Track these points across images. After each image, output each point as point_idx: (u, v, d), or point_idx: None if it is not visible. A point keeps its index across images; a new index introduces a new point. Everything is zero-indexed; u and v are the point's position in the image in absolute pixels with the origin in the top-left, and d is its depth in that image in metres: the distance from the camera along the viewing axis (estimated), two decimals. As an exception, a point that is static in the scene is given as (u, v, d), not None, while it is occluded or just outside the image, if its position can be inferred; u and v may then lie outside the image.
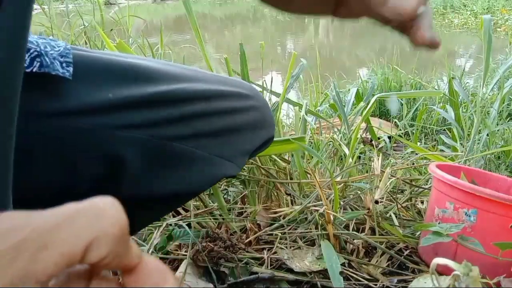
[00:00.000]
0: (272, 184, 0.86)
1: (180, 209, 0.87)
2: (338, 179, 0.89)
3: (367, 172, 0.94)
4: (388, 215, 0.84)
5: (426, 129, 1.75)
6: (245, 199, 0.88)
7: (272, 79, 0.97)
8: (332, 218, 0.73)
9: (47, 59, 0.38)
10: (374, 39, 5.95)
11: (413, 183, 0.92)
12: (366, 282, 0.68)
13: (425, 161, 1.06)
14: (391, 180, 0.89)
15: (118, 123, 0.42)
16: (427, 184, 0.91)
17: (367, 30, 7.14)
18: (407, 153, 1.27)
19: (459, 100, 1.39)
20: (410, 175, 1.01)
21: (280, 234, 0.78)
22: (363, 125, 1.13)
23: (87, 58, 0.43)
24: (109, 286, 0.19)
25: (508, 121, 1.60)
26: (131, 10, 1.54)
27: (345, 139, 1.03)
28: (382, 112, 2.04)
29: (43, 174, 0.40)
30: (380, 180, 0.81)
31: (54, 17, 1.39)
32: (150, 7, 10.24)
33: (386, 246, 0.76)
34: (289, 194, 0.87)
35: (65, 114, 0.39)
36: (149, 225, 0.78)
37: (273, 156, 0.87)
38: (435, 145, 1.48)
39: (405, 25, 0.36)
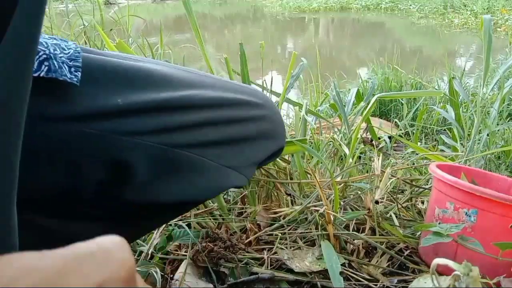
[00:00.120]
0: (272, 184, 0.85)
1: (180, 209, 0.87)
2: (338, 179, 0.89)
3: (367, 172, 0.94)
4: (388, 215, 0.84)
5: (427, 129, 1.75)
6: (245, 199, 0.88)
7: (272, 79, 0.97)
8: (332, 218, 0.73)
9: (55, 63, 0.38)
10: (374, 39, 5.95)
11: (414, 183, 0.92)
12: (366, 282, 0.68)
13: (425, 161, 1.06)
14: (391, 180, 0.89)
15: (126, 129, 0.41)
16: (427, 184, 0.91)
17: (367, 30, 7.14)
18: (408, 153, 1.27)
19: (459, 100, 1.39)
20: (411, 175, 1.01)
21: (280, 234, 0.78)
22: (364, 125, 1.13)
23: (97, 62, 0.43)
24: None
25: (508, 121, 1.60)
26: (131, 10, 1.54)
27: (345, 139, 1.03)
28: (383, 112, 2.04)
29: (48, 176, 0.39)
30: (380, 180, 0.80)
31: (54, 17, 1.39)
32: (150, 7, 10.24)
33: (386, 246, 0.76)
34: (289, 194, 0.87)
35: (72, 119, 0.39)
36: (149, 225, 0.78)
37: (273, 156, 0.86)
38: (435, 145, 1.48)
39: None
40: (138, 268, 0.68)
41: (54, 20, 1.35)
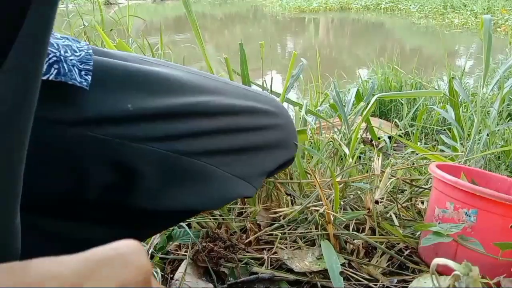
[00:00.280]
0: (272, 184, 0.85)
1: (180, 209, 0.87)
2: (338, 179, 0.89)
3: (367, 172, 0.94)
4: (388, 215, 0.84)
5: (426, 129, 1.75)
6: (245, 199, 0.88)
7: (272, 79, 0.97)
8: (332, 218, 0.73)
9: (65, 66, 0.37)
10: (374, 39, 5.95)
11: (413, 183, 0.92)
12: (366, 282, 0.68)
13: (425, 161, 1.06)
14: (391, 180, 0.89)
15: (135, 134, 0.40)
16: (427, 184, 0.91)
17: (367, 30, 7.14)
18: (407, 153, 1.27)
19: (459, 100, 1.39)
20: (410, 175, 1.01)
21: (280, 234, 0.78)
22: (363, 125, 1.13)
23: (108, 65, 0.42)
24: None
25: (508, 121, 1.60)
26: (131, 10, 1.54)
27: (345, 139, 1.03)
28: (382, 112, 2.04)
29: (54, 180, 0.39)
30: (380, 180, 0.80)
31: (54, 17, 1.38)
32: (150, 7, 10.24)
33: (386, 246, 0.76)
34: (289, 194, 0.87)
35: (80, 123, 0.38)
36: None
37: (273, 156, 0.86)
38: (435, 145, 1.48)
39: None
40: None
41: (54, 20, 1.35)
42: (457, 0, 7.60)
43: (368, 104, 0.98)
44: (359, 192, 0.88)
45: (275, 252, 0.74)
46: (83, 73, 0.38)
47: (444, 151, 1.22)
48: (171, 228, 0.78)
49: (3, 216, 0.25)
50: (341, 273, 0.65)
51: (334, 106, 1.19)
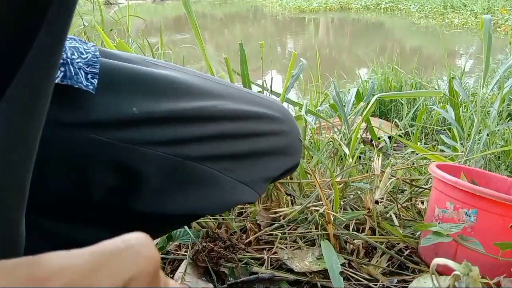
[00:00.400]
0: (272, 184, 0.85)
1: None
2: (338, 179, 0.89)
3: (367, 172, 0.94)
4: (388, 215, 0.84)
5: (426, 129, 1.75)
6: (247, 204, 0.88)
7: (272, 79, 0.97)
8: (332, 218, 0.73)
9: (71, 68, 0.37)
10: (374, 39, 5.95)
11: (413, 183, 0.92)
12: (366, 282, 0.68)
13: (425, 161, 1.06)
14: (391, 180, 0.89)
15: (140, 138, 0.40)
16: (427, 184, 0.91)
17: (367, 30, 7.14)
18: (407, 153, 1.27)
19: (459, 100, 1.39)
20: (410, 175, 1.01)
21: (280, 234, 0.78)
22: (363, 125, 1.13)
23: (115, 68, 0.41)
24: None
25: (508, 121, 1.60)
26: (131, 10, 1.54)
27: (345, 139, 1.03)
28: (382, 112, 2.04)
29: (58, 182, 0.39)
30: (380, 180, 0.81)
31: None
32: (150, 7, 10.24)
33: (386, 246, 0.76)
34: (289, 194, 0.87)
35: (85, 126, 0.38)
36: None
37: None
38: (435, 145, 1.48)
39: None
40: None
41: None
42: (457, 0, 7.61)
43: (368, 104, 0.98)
44: (359, 192, 0.88)
45: (275, 252, 0.74)
46: (89, 76, 0.38)
47: (444, 151, 1.22)
48: (171, 228, 0.78)
49: (7, 225, 0.26)
50: (341, 273, 0.65)
51: (334, 106, 1.19)
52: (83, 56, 0.39)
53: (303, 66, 1.00)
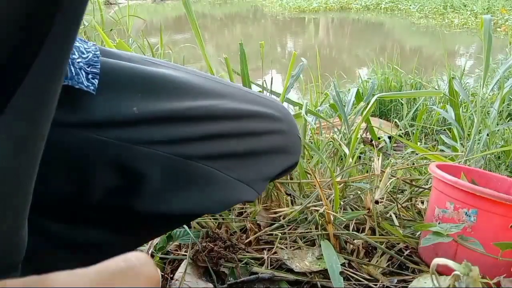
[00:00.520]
0: (272, 184, 0.85)
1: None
2: (338, 179, 0.89)
3: (367, 172, 0.94)
4: (388, 215, 0.84)
5: (426, 129, 1.75)
6: (247, 202, 0.88)
7: (272, 79, 0.97)
8: (332, 218, 0.73)
9: (72, 69, 0.37)
10: (374, 39, 5.95)
11: (413, 183, 0.92)
12: (366, 282, 0.68)
13: (425, 161, 1.06)
14: (391, 180, 0.89)
15: (140, 138, 0.40)
16: (427, 184, 0.91)
17: (367, 30, 7.14)
18: (407, 153, 1.27)
19: (459, 100, 1.39)
20: (410, 175, 1.01)
21: (280, 234, 0.78)
22: (363, 125, 1.13)
23: (115, 67, 0.41)
24: None
25: (508, 121, 1.60)
26: (131, 10, 1.54)
27: (345, 139, 1.03)
28: (382, 112, 2.04)
29: (58, 182, 0.39)
30: (380, 180, 0.81)
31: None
32: (150, 7, 10.24)
33: (386, 246, 0.76)
34: (289, 194, 0.87)
35: (85, 126, 0.38)
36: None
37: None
38: (435, 145, 1.48)
39: None
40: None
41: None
42: (457, 0, 7.60)
43: (368, 104, 0.98)
44: (359, 192, 0.88)
45: (275, 252, 0.74)
46: (90, 76, 0.38)
47: (444, 151, 1.22)
48: (171, 228, 0.78)
49: (10, 229, 0.26)
50: (341, 273, 0.65)
51: (334, 106, 1.19)
52: (84, 56, 0.39)
53: (303, 66, 1.00)
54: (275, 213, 0.83)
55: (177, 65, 0.51)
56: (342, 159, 1.04)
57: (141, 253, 0.22)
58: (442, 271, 0.53)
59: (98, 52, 0.40)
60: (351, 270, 0.70)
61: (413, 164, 1.06)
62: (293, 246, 0.76)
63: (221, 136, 0.46)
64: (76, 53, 0.38)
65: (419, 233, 0.78)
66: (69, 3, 0.23)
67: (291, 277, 0.68)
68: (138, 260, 0.20)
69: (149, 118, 0.41)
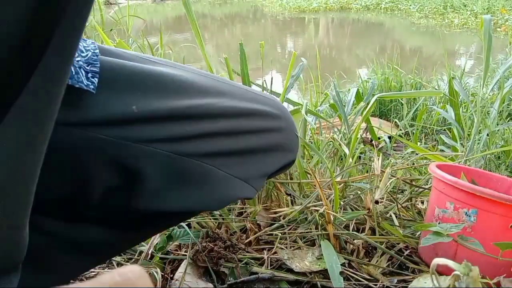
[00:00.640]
0: (272, 184, 0.85)
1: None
2: (338, 179, 0.89)
3: (367, 172, 0.94)
4: (388, 215, 0.84)
5: (426, 129, 1.75)
6: (245, 199, 0.88)
7: (272, 79, 0.97)
8: (332, 218, 0.73)
9: (72, 68, 0.37)
10: (374, 39, 5.95)
11: (413, 183, 0.92)
12: (366, 282, 0.68)
13: (425, 161, 1.06)
14: (391, 180, 0.89)
15: (139, 136, 0.41)
16: (427, 184, 0.91)
17: (367, 30, 7.14)
18: (407, 153, 1.27)
19: (459, 100, 1.39)
20: (410, 175, 1.01)
21: (280, 234, 0.78)
22: (363, 125, 1.13)
23: (114, 66, 0.41)
24: None
25: (508, 121, 1.60)
26: (131, 10, 1.54)
27: (345, 139, 1.03)
28: (382, 112, 2.04)
29: (57, 180, 0.39)
30: (380, 180, 0.80)
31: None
32: (150, 7, 10.24)
33: (386, 246, 0.76)
34: (289, 194, 0.87)
35: (84, 124, 0.38)
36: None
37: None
38: (435, 145, 1.48)
39: None
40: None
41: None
42: (457, 0, 7.60)
43: (368, 104, 0.98)
44: (359, 192, 0.88)
45: (275, 252, 0.74)
46: (89, 75, 0.38)
47: (444, 151, 1.22)
48: (171, 228, 0.78)
49: (13, 229, 0.26)
50: (341, 273, 0.65)
51: (334, 106, 1.19)
52: (83, 54, 0.39)
53: (303, 66, 1.00)
54: (275, 213, 0.83)
55: (175, 63, 0.51)
56: (342, 159, 1.04)
57: (136, 266, 0.22)
58: (442, 271, 0.53)
59: (97, 51, 0.41)
60: (351, 270, 0.70)
61: (413, 164, 1.06)
62: (293, 246, 0.76)
63: (219, 134, 0.47)
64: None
65: (419, 233, 0.78)
66: (74, 6, 0.23)
67: (291, 277, 0.68)
68: (133, 274, 0.21)
69: (148, 116, 0.41)
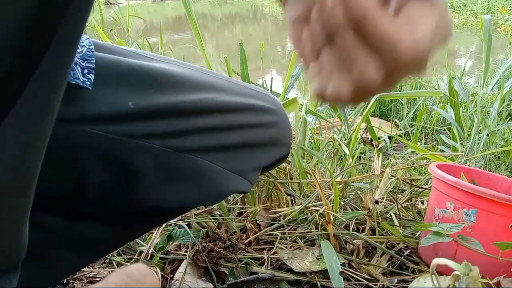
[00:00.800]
0: (272, 184, 0.85)
1: (180, 209, 0.87)
2: (338, 179, 0.89)
3: (367, 172, 0.94)
4: (388, 215, 0.84)
5: (426, 129, 1.75)
6: (245, 199, 0.88)
7: (272, 79, 0.97)
8: (332, 218, 0.73)
9: None
10: (374, 39, 5.94)
11: (413, 183, 0.92)
12: (366, 282, 0.68)
13: (425, 161, 1.06)
14: (391, 180, 0.88)
15: (135, 131, 0.41)
16: (427, 184, 0.91)
17: (367, 30, 7.13)
18: (407, 153, 1.27)
19: (459, 100, 1.39)
20: (410, 175, 1.01)
21: (280, 234, 0.78)
22: (363, 125, 1.13)
23: (109, 62, 0.42)
24: None
25: (508, 121, 1.60)
26: (131, 10, 1.54)
27: (345, 139, 1.03)
28: (382, 112, 2.04)
29: (54, 177, 0.39)
30: (380, 180, 0.80)
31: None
32: (150, 7, 10.24)
33: (386, 246, 0.76)
34: (289, 194, 0.87)
35: (81, 121, 0.38)
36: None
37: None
38: (435, 145, 1.48)
39: None
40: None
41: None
42: (457, 0, 7.60)
43: (368, 104, 0.98)
44: (359, 192, 0.87)
45: (275, 252, 0.74)
46: (85, 71, 0.38)
47: (444, 151, 1.22)
48: (171, 228, 0.78)
49: (14, 228, 0.26)
50: (341, 273, 0.65)
51: (334, 106, 1.19)
52: (79, 50, 0.39)
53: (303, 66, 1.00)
54: (275, 213, 0.83)
55: (170, 58, 0.51)
56: (342, 159, 1.04)
57: (141, 264, 0.24)
58: (442, 271, 0.53)
59: (92, 46, 0.41)
60: (351, 270, 0.70)
61: (413, 164, 1.06)
62: (293, 246, 0.76)
63: (215, 129, 0.47)
64: None
65: (419, 233, 0.78)
66: (73, 6, 0.23)
67: (291, 277, 0.68)
68: (139, 272, 0.22)
69: (144, 112, 0.41)
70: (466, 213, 0.65)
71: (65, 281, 0.68)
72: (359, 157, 1.24)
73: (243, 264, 0.70)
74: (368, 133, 1.30)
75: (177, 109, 0.44)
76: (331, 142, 1.08)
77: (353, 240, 0.75)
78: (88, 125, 0.39)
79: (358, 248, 0.74)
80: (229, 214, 0.84)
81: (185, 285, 0.66)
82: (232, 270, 0.69)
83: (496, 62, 2.28)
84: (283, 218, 0.82)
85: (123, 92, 0.41)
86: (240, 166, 0.50)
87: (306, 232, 0.78)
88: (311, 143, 1.15)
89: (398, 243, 0.78)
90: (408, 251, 0.75)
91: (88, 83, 0.38)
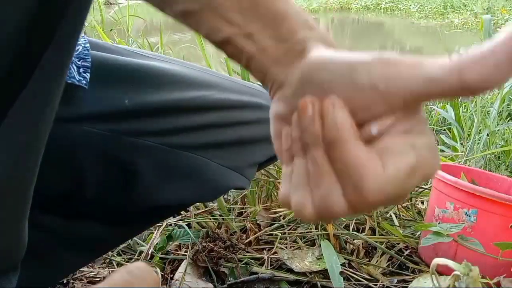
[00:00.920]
0: (272, 184, 0.86)
1: (180, 209, 0.87)
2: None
3: (367, 172, 0.93)
4: (388, 215, 0.84)
5: (426, 129, 1.75)
6: (245, 199, 0.88)
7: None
8: (332, 218, 0.73)
9: None
10: (374, 39, 5.95)
11: (413, 183, 0.92)
12: (366, 282, 0.68)
13: (425, 161, 1.06)
14: (391, 180, 0.88)
15: (131, 129, 0.41)
16: (427, 184, 0.91)
17: (367, 30, 7.14)
18: (407, 153, 1.27)
19: (459, 100, 1.39)
20: (410, 175, 1.01)
21: (280, 234, 0.78)
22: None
23: (105, 60, 0.42)
24: None
25: (508, 121, 1.60)
26: (131, 10, 1.54)
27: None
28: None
29: (53, 176, 0.39)
30: (380, 180, 0.80)
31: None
32: (150, 7, 10.23)
33: (386, 246, 0.76)
34: (289, 194, 0.87)
35: (79, 120, 0.39)
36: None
37: (273, 156, 0.86)
38: (435, 145, 1.48)
39: None
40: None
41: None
42: (457, 0, 7.60)
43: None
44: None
45: (275, 252, 0.74)
46: (81, 70, 0.38)
47: (444, 151, 1.22)
48: (171, 228, 0.78)
49: (13, 227, 0.26)
50: (341, 273, 0.65)
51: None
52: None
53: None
54: (275, 213, 0.83)
55: (166, 56, 0.51)
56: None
57: (140, 262, 0.24)
58: (442, 271, 0.53)
59: (88, 45, 0.41)
60: (351, 270, 0.70)
61: (413, 164, 1.05)
62: (293, 246, 0.76)
63: (211, 126, 0.47)
64: None
65: (419, 233, 0.78)
66: (73, 6, 0.23)
67: (291, 277, 0.68)
68: (139, 270, 0.22)
69: (140, 110, 0.42)
70: (466, 213, 0.65)
71: (65, 281, 0.68)
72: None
73: (243, 264, 0.70)
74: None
75: (174, 107, 0.44)
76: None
77: (353, 240, 0.75)
78: (84, 124, 0.39)
79: (358, 248, 0.74)
80: (229, 214, 0.84)
81: (185, 285, 0.66)
82: (232, 270, 0.69)
83: (496, 62, 2.27)
84: (283, 218, 0.82)
85: (119, 91, 0.41)
86: (236, 163, 0.50)
87: (306, 232, 0.78)
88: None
89: (398, 243, 0.78)
90: (408, 251, 0.75)
91: (84, 82, 0.38)
